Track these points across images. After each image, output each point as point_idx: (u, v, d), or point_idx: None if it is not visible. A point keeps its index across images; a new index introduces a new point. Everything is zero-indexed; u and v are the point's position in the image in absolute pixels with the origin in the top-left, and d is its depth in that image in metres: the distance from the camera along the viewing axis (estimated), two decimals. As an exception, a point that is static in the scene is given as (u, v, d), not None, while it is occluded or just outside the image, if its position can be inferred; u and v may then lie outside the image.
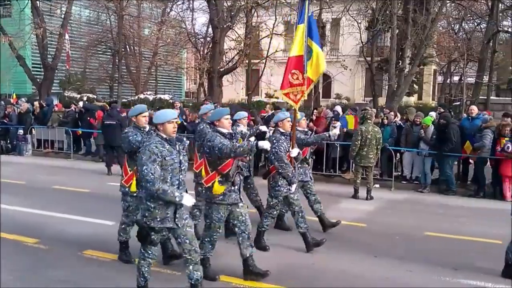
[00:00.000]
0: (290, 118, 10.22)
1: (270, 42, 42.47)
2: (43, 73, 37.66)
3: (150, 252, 7.36)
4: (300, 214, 10.10)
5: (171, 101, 36.31)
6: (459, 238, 11.46)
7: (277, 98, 52.68)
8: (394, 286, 8.53)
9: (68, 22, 39.61)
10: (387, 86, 32.26)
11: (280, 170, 9.77)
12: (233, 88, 49.47)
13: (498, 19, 31.56)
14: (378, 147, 15.68)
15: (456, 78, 57.02)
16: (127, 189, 8.93)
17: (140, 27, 46.62)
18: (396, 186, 17.70)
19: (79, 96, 41.96)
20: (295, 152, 10.07)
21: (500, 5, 32.15)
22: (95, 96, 42.43)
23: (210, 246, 8.48)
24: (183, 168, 7.29)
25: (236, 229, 8.45)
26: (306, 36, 10.42)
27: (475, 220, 13.38)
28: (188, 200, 6.95)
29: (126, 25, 42.94)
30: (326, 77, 51.40)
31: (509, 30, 38.78)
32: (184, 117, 21.38)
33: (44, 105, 26.14)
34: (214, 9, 33.19)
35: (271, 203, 10.09)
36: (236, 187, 8.32)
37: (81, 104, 26.35)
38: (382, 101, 38.02)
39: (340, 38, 45.81)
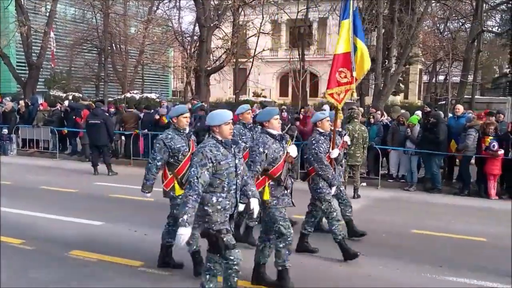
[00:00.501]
0: (330, 118, 9.98)
1: (257, 41, 42.59)
2: (27, 72, 37.36)
3: (232, 258, 6.87)
4: (318, 218, 10.09)
5: (158, 100, 36.22)
6: (445, 235, 11.52)
7: (264, 97, 52.85)
8: (380, 285, 8.54)
9: (53, 20, 39.24)
10: (373, 85, 32.35)
11: (320, 172, 9.53)
12: (221, 87, 49.54)
13: (483, 19, 31.67)
14: (365, 146, 15.68)
15: (441, 77, 57.34)
16: (171, 194, 8.65)
17: (126, 25, 46.37)
18: (382, 185, 17.80)
19: (64, 95, 41.71)
20: (335, 153, 9.87)
21: (484, 5, 32.30)
22: (81, 95, 42.23)
23: (287, 253, 8.14)
24: (239, 172, 6.97)
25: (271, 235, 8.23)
26: (352, 32, 10.22)
27: (461, 218, 13.45)
28: (182, 236, 6.48)
29: (112, 23, 42.72)
30: (313, 76, 51.54)
31: (494, 30, 39.03)
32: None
33: (29, 104, 25.98)
34: (201, 8, 33.13)
35: (324, 207, 9.67)
36: (288, 190, 8.12)
37: (66, 103, 26.25)
38: (368, 100, 38.08)
39: (327, 38, 45.94)
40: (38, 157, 23.96)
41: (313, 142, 9.70)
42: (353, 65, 10.16)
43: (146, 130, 21.52)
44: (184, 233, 6.47)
